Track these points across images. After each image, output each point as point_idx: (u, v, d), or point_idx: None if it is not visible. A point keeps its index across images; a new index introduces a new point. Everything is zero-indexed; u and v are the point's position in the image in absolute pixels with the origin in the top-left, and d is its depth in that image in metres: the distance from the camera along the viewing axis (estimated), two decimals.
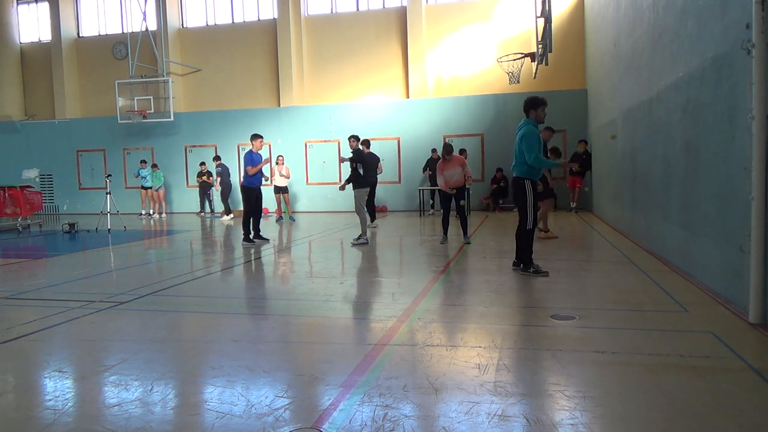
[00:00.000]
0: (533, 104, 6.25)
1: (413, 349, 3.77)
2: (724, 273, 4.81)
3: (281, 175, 14.35)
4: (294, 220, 14.76)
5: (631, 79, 9.01)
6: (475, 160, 16.92)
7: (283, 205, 14.74)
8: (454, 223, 10.42)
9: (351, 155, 9.71)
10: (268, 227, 13.04)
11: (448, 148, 9.03)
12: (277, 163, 14.39)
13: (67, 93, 20.17)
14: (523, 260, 6.28)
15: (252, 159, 9.62)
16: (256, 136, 9.90)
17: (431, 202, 16.17)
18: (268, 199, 16.91)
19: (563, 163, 7.39)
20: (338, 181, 17.43)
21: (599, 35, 12.93)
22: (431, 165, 14.95)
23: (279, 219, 14.89)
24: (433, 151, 15.24)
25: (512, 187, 6.62)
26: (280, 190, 14.49)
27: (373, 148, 17.68)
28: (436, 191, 14.15)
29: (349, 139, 9.74)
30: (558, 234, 8.74)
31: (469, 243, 8.99)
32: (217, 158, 17.02)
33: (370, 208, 13.42)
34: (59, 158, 20.36)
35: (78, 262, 8.71)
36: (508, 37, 16.84)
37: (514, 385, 3.09)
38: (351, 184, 9.58)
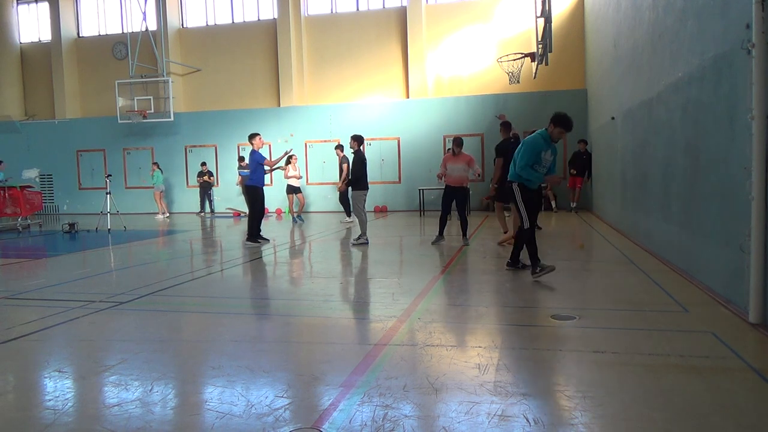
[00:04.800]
0: (557, 121, 5.96)
1: (413, 349, 3.77)
2: (724, 273, 4.81)
3: (295, 177, 14.24)
4: (296, 221, 14.72)
5: (631, 79, 9.01)
6: (474, 161, 16.90)
7: (295, 205, 14.62)
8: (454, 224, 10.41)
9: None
10: (268, 227, 13.04)
11: (458, 141, 9.13)
12: (288, 163, 14.24)
13: (67, 93, 20.17)
14: (531, 261, 6.16)
15: (258, 158, 9.60)
16: (254, 135, 9.79)
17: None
18: (280, 199, 17.03)
19: (554, 179, 6.43)
20: (338, 181, 17.41)
21: (599, 35, 12.93)
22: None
23: (296, 219, 14.67)
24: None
25: (506, 190, 6.70)
26: (293, 190, 14.40)
27: (373, 148, 17.85)
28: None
29: (351, 140, 9.46)
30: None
31: (467, 245, 8.92)
32: (241, 159, 16.72)
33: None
34: (59, 158, 20.36)
35: (78, 262, 8.71)
36: (508, 37, 16.84)
37: (514, 385, 3.09)
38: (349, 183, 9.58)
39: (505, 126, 9.15)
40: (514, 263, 6.58)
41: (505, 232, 9.01)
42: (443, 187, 9.22)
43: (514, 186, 6.26)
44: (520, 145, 6.29)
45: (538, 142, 6.07)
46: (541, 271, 5.96)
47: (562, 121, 5.93)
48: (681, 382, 3.07)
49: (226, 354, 3.78)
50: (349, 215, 13.75)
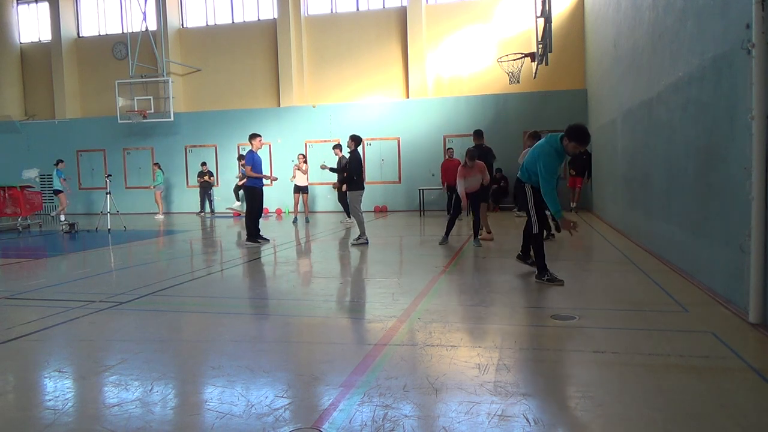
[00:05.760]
0: (573, 135, 5.49)
1: (413, 349, 3.77)
2: (724, 273, 4.81)
3: (303, 173, 14.27)
4: (296, 222, 14.71)
5: (631, 79, 9.01)
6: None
7: (300, 205, 14.63)
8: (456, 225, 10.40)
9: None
10: (268, 227, 13.04)
11: (471, 153, 8.76)
12: (302, 161, 14.28)
13: (67, 93, 20.17)
14: (538, 267, 5.99)
15: (253, 159, 9.59)
16: (254, 136, 9.82)
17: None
18: (282, 199, 16.99)
19: (565, 221, 5.69)
20: (336, 181, 17.42)
21: (599, 35, 12.93)
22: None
23: (297, 220, 14.72)
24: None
25: (514, 188, 6.59)
26: (299, 190, 14.40)
27: (373, 148, 17.86)
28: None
29: (349, 139, 9.46)
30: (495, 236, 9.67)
31: (479, 246, 8.78)
32: (241, 157, 16.63)
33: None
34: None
35: (78, 262, 8.71)
36: (508, 37, 16.85)
37: (514, 385, 3.09)
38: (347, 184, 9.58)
39: (478, 134, 10.09)
40: (525, 257, 6.58)
41: (489, 232, 9.70)
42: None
43: (527, 188, 5.99)
44: (534, 151, 5.86)
45: (552, 158, 5.64)
46: (548, 280, 5.76)
47: (578, 137, 5.48)
48: (681, 382, 3.07)
49: (226, 354, 3.78)
50: (349, 216, 13.75)
